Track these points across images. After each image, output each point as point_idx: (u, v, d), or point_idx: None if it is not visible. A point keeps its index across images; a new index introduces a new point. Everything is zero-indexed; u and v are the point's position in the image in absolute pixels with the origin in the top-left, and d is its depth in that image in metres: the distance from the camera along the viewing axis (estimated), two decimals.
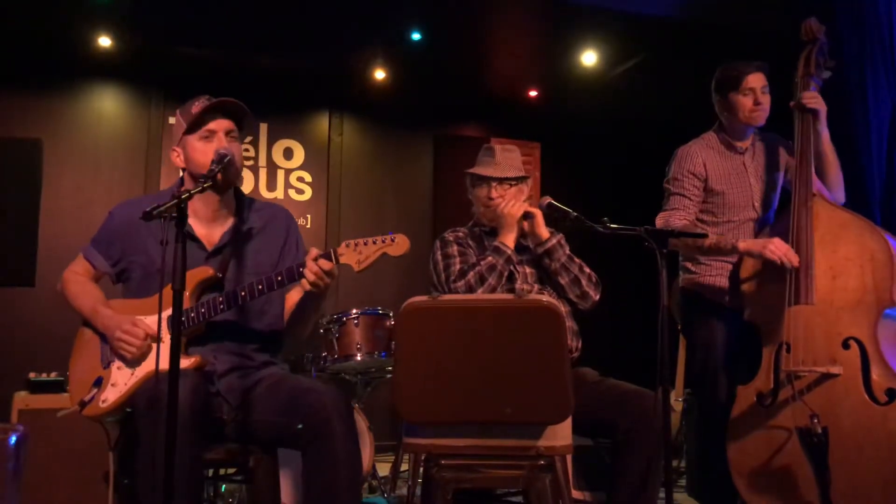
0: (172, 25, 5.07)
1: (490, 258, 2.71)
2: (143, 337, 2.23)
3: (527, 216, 2.78)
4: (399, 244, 2.15)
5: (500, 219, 2.79)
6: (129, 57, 5.37)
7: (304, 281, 2.17)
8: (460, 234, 2.91)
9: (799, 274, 2.74)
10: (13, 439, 2.72)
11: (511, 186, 2.83)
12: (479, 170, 2.88)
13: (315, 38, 5.25)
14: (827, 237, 2.78)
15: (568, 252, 2.81)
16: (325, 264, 2.15)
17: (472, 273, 2.68)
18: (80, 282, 2.44)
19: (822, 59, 2.98)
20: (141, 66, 5.48)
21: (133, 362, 2.25)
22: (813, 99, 2.90)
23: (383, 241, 2.15)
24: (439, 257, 2.82)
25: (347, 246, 2.16)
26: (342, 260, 2.16)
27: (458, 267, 2.75)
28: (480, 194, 2.86)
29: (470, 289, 2.66)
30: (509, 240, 2.76)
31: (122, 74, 5.55)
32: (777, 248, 2.74)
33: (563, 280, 2.77)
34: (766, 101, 3.00)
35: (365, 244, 2.15)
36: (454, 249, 2.83)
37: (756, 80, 2.98)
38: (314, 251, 2.18)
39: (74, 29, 5.06)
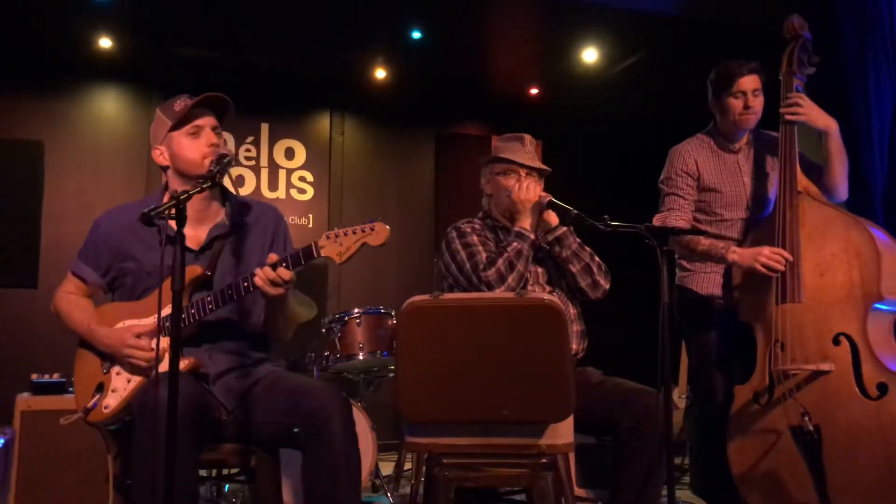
0: (172, 26, 5.07)
1: (515, 244, 2.61)
2: (149, 346, 2.21)
3: (540, 201, 2.67)
4: (378, 233, 2.10)
5: (514, 205, 2.68)
6: (129, 58, 5.37)
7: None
8: (476, 224, 2.81)
9: (785, 273, 2.74)
10: (0, 442, 2.72)
11: (537, 177, 2.77)
12: (511, 155, 2.76)
13: (315, 37, 5.25)
14: (814, 234, 2.77)
15: (578, 240, 2.76)
16: (285, 273, 2.11)
17: (500, 260, 2.59)
18: (71, 301, 2.41)
19: (804, 55, 2.96)
20: (141, 67, 5.48)
21: (145, 369, 2.23)
22: (793, 113, 2.86)
23: (363, 231, 2.10)
24: (459, 247, 2.71)
25: (328, 238, 2.12)
26: (323, 252, 2.12)
27: (484, 256, 2.64)
28: (507, 182, 2.74)
29: (501, 277, 2.57)
30: (528, 224, 2.66)
31: (123, 76, 5.56)
32: (768, 259, 2.73)
33: (575, 268, 2.71)
34: (757, 103, 2.96)
35: (345, 234, 2.11)
36: (475, 239, 2.72)
37: (748, 83, 2.94)
38: (272, 257, 2.15)
39: (75, 31, 5.06)
